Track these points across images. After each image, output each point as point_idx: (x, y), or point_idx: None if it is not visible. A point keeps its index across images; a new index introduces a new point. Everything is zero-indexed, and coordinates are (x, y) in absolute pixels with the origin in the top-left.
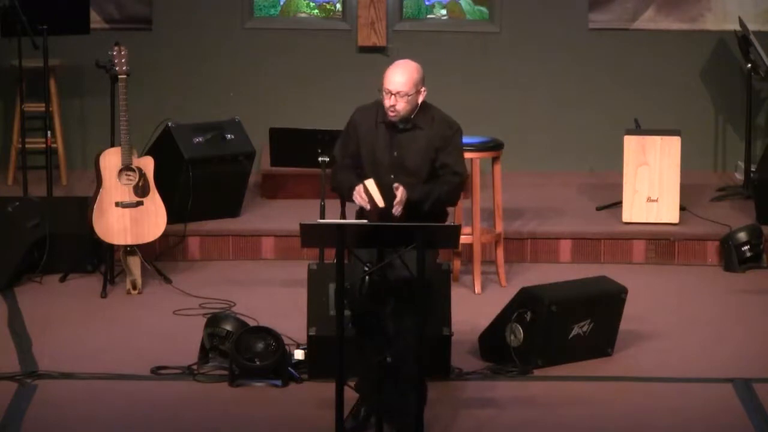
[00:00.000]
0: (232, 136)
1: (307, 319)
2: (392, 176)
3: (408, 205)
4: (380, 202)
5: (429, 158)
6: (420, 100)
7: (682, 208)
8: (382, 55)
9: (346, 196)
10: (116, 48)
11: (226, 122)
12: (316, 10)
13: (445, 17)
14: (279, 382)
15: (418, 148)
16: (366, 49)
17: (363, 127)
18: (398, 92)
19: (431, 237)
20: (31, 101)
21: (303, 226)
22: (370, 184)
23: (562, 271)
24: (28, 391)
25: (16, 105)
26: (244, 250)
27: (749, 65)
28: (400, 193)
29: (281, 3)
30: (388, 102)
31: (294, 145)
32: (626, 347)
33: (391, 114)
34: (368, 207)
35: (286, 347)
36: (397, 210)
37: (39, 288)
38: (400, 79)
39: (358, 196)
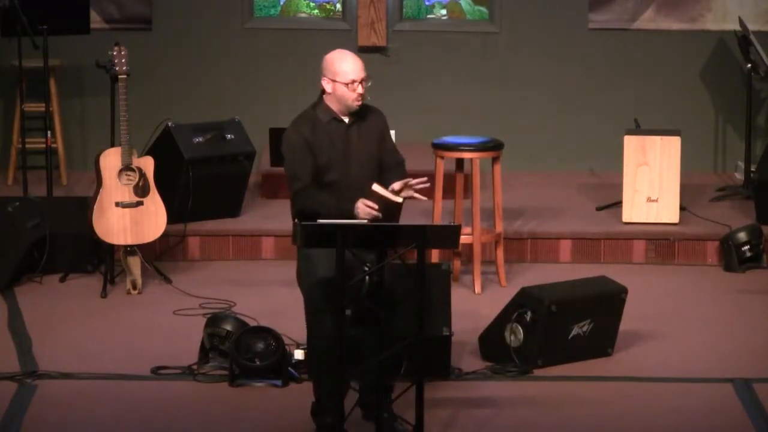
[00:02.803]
0: (232, 136)
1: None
2: (356, 169)
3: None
4: (396, 198)
5: (378, 146)
6: None
7: (682, 208)
8: (382, 55)
9: (332, 215)
10: (116, 48)
11: (226, 122)
12: (316, 10)
13: (445, 17)
14: (279, 382)
15: (369, 138)
16: (366, 49)
17: (311, 139)
18: (363, 78)
19: (431, 237)
20: (31, 101)
21: (303, 226)
22: (377, 187)
23: (562, 271)
24: (28, 391)
25: (16, 105)
26: (244, 250)
27: (749, 65)
28: (414, 181)
29: (281, 3)
30: (354, 92)
31: None
32: (626, 347)
33: (359, 102)
34: (380, 215)
35: (286, 347)
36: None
37: (39, 288)
38: (360, 64)
39: (366, 207)
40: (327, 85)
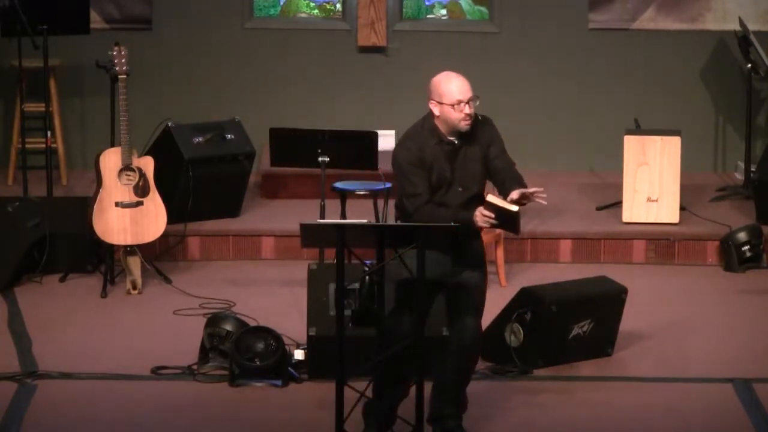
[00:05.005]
0: (232, 136)
1: (307, 319)
2: (460, 189)
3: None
4: (512, 207)
5: (483, 160)
6: None
7: (682, 208)
8: (382, 55)
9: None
10: (116, 48)
11: (226, 122)
12: (316, 10)
13: (445, 17)
14: (279, 382)
15: (475, 155)
16: (366, 49)
17: (426, 157)
18: (470, 98)
19: (431, 237)
20: (31, 101)
21: (303, 226)
22: (492, 198)
23: (562, 271)
24: (28, 391)
25: (16, 105)
26: (244, 250)
27: (749, 65)
28: (531, 190)
29: (281, 3)
30: (461, 113)
31: (294, 145)
32: (626, 347)
33: (467, 122)
34: (496, 222)
35: (286, 347)
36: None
37: (39, 288)
38: (467, 84)
39: (483, 216)
40: (434, 108)
